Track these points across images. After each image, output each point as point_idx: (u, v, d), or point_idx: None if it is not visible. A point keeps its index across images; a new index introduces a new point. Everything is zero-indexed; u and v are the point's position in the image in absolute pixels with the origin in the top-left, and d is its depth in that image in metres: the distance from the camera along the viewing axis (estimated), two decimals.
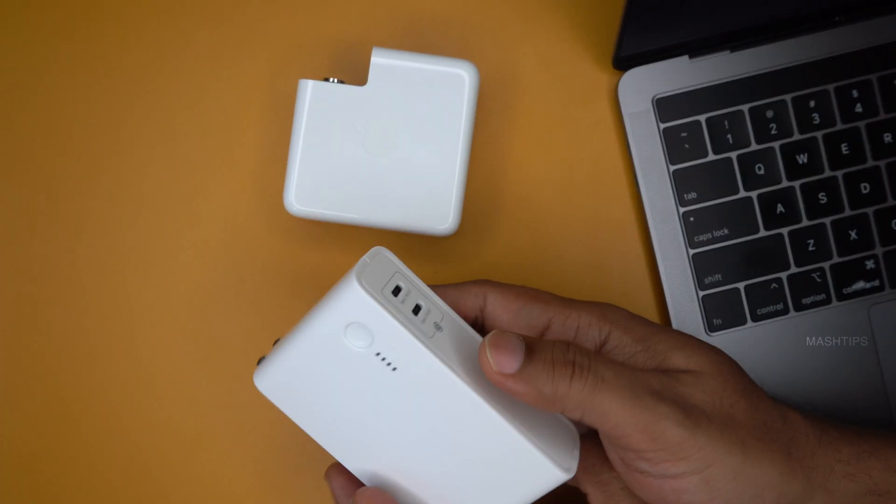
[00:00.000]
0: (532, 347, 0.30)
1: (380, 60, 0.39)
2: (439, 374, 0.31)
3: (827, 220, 0.42)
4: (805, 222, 0.42)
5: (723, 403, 0.31)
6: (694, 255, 0.42)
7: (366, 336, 0.31)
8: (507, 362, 0.29)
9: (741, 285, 0.42)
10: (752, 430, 0.31)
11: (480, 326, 0.35)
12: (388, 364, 0.31)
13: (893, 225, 0.42)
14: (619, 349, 0.33)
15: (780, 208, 0.42)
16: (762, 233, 0.42)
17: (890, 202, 0.42)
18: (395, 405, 0.32)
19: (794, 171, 0.42)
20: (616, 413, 0.29)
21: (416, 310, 0.32)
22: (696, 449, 0.30)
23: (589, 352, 0.30)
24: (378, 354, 0.31)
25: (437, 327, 0.32)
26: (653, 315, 0.43)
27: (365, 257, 0.32)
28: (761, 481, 0.31)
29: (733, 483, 0.30)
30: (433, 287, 0.34)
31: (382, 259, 0.32)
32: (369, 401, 0.32)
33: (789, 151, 0.42)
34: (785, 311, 0.42)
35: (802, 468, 0.32)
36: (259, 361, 0.34)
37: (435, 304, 0.33)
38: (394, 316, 0.30)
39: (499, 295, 0.34)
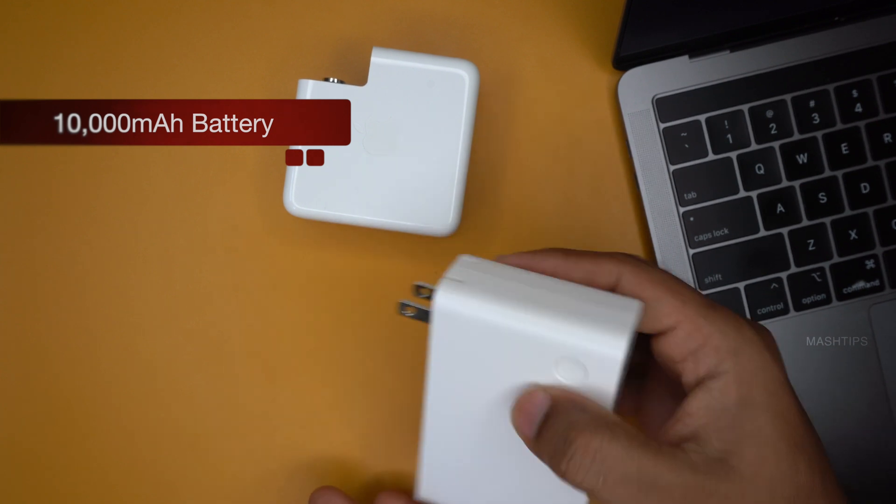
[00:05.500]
0: (549, 417, 0.30)
1: (380, 60, 0.39)
2: None
3: (827, 220, 0.42)
4: (805, 222, 0.42)
5: None
6: (694, 254, 0.42)
7: (576, 376, 0.29)
8: (525, 428, 0.30)
9: (741, 285, 0.42)
10: None
11: None
12: None
13: (893, 225, 0.42)
14: (707, 398, 0.30)
15: (780, 208, 0.42)
16: (762, 232, 0.42)
17: (890, 202, 0.42)
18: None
19: (793, 171, 0.42)
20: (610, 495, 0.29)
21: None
22: None
23: (603, 437, 0.28)
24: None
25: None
26: None
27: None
28: None
29: None
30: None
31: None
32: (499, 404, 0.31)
33: (789, 151, 0.42)
34: (785, 311, 0.42)
35: None
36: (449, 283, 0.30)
37: None
38: (620, 382, 0.29)
39: (633, 278, 0.31)
